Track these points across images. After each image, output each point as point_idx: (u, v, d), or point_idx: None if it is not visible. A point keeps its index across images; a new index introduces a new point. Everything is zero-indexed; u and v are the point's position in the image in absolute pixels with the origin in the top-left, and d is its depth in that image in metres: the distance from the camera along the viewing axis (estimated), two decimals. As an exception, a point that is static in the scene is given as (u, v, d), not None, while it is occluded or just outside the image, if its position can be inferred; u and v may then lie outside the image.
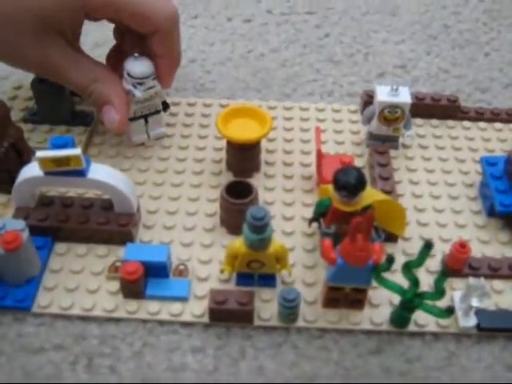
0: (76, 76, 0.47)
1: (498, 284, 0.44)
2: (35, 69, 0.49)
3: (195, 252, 0.46)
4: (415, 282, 0.38)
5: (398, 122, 0.52)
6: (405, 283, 0.39)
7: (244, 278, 0.43)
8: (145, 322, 0.42)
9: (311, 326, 0.42)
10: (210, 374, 0.39)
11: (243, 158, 0.51)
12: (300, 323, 0.42)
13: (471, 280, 0.41)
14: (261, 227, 0.38)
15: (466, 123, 0.58)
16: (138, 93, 0.49)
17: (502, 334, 0.42)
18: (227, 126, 0.49)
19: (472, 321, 0.41)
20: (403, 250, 0.46)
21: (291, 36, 0.70)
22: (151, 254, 0.42)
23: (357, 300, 0.42)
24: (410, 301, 0.39)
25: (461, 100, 0.58)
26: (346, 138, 0.56)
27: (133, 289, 0.42)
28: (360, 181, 0.40)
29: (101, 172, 0.44)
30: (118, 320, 0.42)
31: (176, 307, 0.42)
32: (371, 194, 0.42)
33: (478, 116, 0.58)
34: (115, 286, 0.43)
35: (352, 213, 0.41)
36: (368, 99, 0.56)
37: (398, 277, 0.41)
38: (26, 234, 0.41)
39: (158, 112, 0.52)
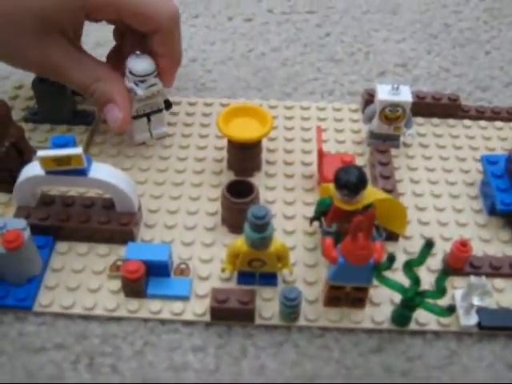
0: (78, 75, 0.47)
1: (499, 282, 0.44)
2: (36, 69, 0.49)
3: (196, 251, 0.46)
4: (416, 281, 0.38)
5: (399, 121, 0.52)
6: (406, 282, 0.39)
7: (245, 277, 0.43)
8: (146, 320, 0.42)
9: (312, 324, 0.42)
10: (211, 373, 0.40)
11: (244, 157, 0.51)
12: (301, 322, 0.42)
13: (472, 279, 0.41)
14: (262, 226, 0.38)
15: (467, 122, 0.58)
16: (140, 91, 0.49)
17: (504, 332, 0.42)
18: (228, 125, 0.49)
19: (473, 319, 0.41)
20: (404, 249, 0.46)
21: (292, 35, 0.70)
22: (152, 253, 0.42)
23: (358, 299, 0.42)
24: (411, 299, 0.39)
25: (461, 99, 0.58)
26: (346, 136, 0.56)
27: (134, 288, 0.42)
28: (361, 180, 0.40)
29: (102, 171, 0.44)
30: (119, 319, 0.42)
31: (177, 306, 0.42)
32: (372, 193, 0.42)
33: (479, 115, 0.58)
34: (116, 285, 0.43)
35: (353, 212, 0.41)
36: (369, 98, 0.56)
37: (399, 275, 0.41)
38: (27, 233, 0.41)
39: (160, 110, 0.52)
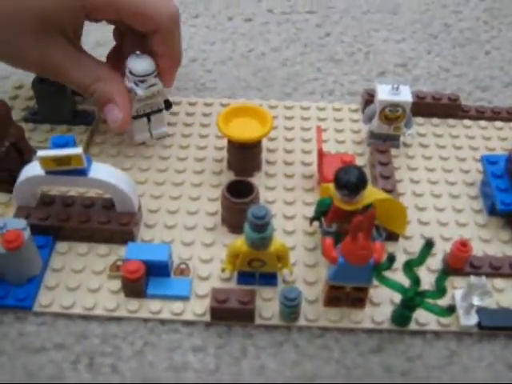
0: (78, 75, 0.47)
1: (499, 282, 0.44)
2: (36, 69, 0.49)
3: (196, 251, 0.46)
4: (416, 281, 0.38)
5: (399, 121, 0.52)
6: (406, 282, 0.39)
7: (245, 277, 0.43)
8: (146, 320, 0.42)
9: (312, 324, 0.42)
10: (211, 373, 0.40)
11: (244, 157, 0.51)
12: (301, 322, 0.42)
13: (472, 279, 0.41)
14: (262, 226, 0.38)
15: (467, 122, 0.58)
16: (140, 90, 0.49)
17: (503, 332, 0.42)
18: (228, 125, 0.49)
19: (473, 319, 0.41)
20: (404, 249, 0.46)
21: (292, 35, 0.70)
22: (152, 253, 0.42)
23: (358, 299, 0.42)
24: (411, 299, 0.39)
25: (461, 99, 0.58)
26: (346, 136, 0.56)
27: (134, 288, 0.42)
28: (361, 180, 0.40)
29: (102, 171, 0.44)
30: (119, 319, 0.42)
31: (177, 306, 0.42)
32: (372, 193, 0.42)
33: (479, 115, 0.58)
34: (116, 285, 0.43)
35: (353, 212, 0.41)
36: (369, 98, 0.56)
37: (399, 275, 0.41)
38: (27, 233, 0.41)
39: (160, 110, 0.52)
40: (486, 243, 0.47)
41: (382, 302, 0.43)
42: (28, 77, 0.53)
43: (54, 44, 0.46)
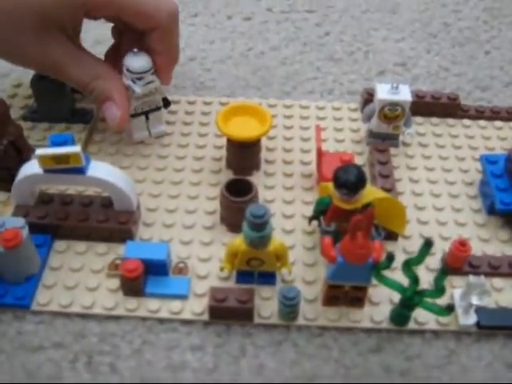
0: (77, 73, 0.47)
1: (497, 282, 0.44)
2: (36, 66, 0.49)
3: (195, 250, 0.46)
4: (415, 280, 0.38)
5: (398, 120, 0.52)
6: (405, 281, 0.39)
7: (244, 276, 0.43)
8: (144, 319, 0.42)
9: (311, 324, 0.42)
10: (210, 372, 0.39)
11: (243, 155, 0.50)
12: (300, 321, 0.42)
13: (471, 278, 0.41)
14: (261, 225, 0.38)
15: (466, 121, 0.58)
16: (138, 88, 0.49)
17: (502, 331, 0.42)
18: (227, 123, 0.49)
19: (472, 319, 0.41)
20: (403, 248, 0.46)
21: (291, 34, 0.70)
22: (151, 251, 0.42)
23: (357, 298, 0.42)
24: (410, 299, 0.39)
25: (461, 98, 0.58)
26: (346, 135, 0.56)
27: (132, 286, 0.42)
28: (360, 179, 0.40)
29: (100, 170, 0.44)
30: (117, 318, 0.42)
31: (176, 305, 0.42)
32: (371, 192, 0.42)
33: (478, 114, 0.58)
34: (115, 283, 0.43)
35: (352, 211, 0.41)
36: (368, 97, 0.56)
37: (397, 275, 0.41)
38: (25, 232, 0.41)
39: (158, 109, 0.52)
40: (485, 243, 0.47)
41: (381, 301, 0.43)
42: (27, 75, 0.53)
43: (54, 41, 0.46)
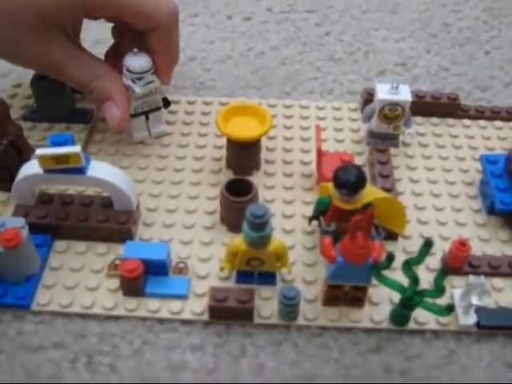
0: (77, 73, 0.47)
1: (497, 282, 0.44)
2: (36, 66, 0.49)
3: (195, 250, 0.46)
4: (415, 280, 0.38)
5: (398, 120, 0.52)
6: (405, 281, 0.39)
7: (244, 276, 0.43)
8: (144, 319, 0.42)
9: (311, 324, 0.42)
10: (210, 373, 0.39)
11: (243, 155, 0.50)
12: (300, 321, 0.42)
13: (471, 278, 0.41)
14: (260, 225, 0.38)
15: (466, 121, 0.58)
16: (138, 88, 0.49)
17: (502, 331, 0.42)
18: (227, 123, 0.49)
19: (472, 319, 0.41)
20: (403, 248, 0.46)
21: (291, 34, 0.70)
22: (151, 251, 0.42)
23: (357, 298, 0.42)
24: (410, 299, 0.39)
25: (461, 98, 0.58)
26: (346, 135, 0.56)
27: (132, 287, 0.42)
28: (360, 179, 0.40)
29: (100, 170, 0.44)
30: (117, 318, 0.42)
31: (176, 305, 0.42)
32: (371, 192, 0.42)
33: (478, 114, 0.58)
34: (115, 283, 0.43)
35: (352, 211, 0.41)
36: (368, 97, 0.56)
37: (397, 275, 0.41)
38: (25, 232, 0.41)
39: (158, 108, 0.52)
40: (485, 243, 0.47)
41: (381, 301, 0.43)
42: (27, 75, 0.53)
43: (54, 41, 0.46)
